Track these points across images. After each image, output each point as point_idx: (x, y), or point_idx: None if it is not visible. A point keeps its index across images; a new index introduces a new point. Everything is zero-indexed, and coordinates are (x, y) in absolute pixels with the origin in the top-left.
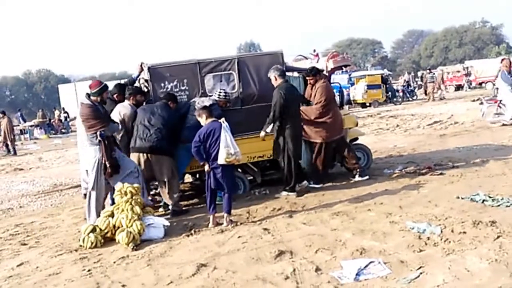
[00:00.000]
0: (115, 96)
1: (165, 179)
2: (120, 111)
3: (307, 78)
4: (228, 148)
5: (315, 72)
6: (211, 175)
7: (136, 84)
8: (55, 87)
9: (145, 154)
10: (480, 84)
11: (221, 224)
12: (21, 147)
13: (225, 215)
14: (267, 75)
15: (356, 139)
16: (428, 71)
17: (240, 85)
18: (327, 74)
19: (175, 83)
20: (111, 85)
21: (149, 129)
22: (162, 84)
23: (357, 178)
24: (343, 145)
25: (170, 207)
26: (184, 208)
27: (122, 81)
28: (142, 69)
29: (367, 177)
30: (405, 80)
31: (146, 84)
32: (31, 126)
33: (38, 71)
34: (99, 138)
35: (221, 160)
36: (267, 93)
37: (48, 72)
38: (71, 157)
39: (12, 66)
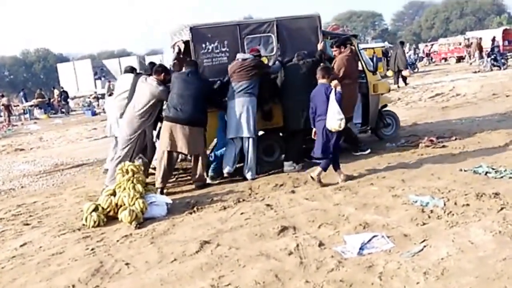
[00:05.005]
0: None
1: (198, 152)
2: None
3: (332, 49)
4: (334, 115)
5: (339, 44)
6: (320, 137)
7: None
8: (54, 66)
9: (178, 125)
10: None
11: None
12: (21, 127)
13: (319, 169)
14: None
15: (386, 105)
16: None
17: (278, 47)
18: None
19: (216, 44)
20: (110, 62)
21: (184, 99)
22: (204, 45)
23: (358, 153)
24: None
25: (196, 182)
26: (207, 182)
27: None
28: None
29: (368, 151)
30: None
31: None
32: (31, 106)
33: (36, 50)
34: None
35: (329, 126)
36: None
37: (46, 51)
38: (72, 136)
39: (10, 45)
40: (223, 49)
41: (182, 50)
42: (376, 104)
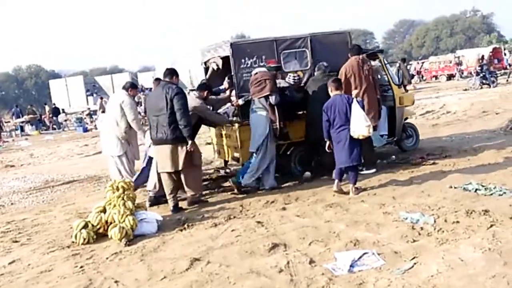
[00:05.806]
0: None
1: (177, 169)
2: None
3: None
4: (361, 122)
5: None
6: (337, 149)
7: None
8: (46, 83)
9: (156, 146)
10: (471, 73)
11: (347, 193)
12: (12, 143)
13: (351, 185)
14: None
15: (406, 118)
16: None
17: (313, 62)
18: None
19: (254, 59)
20: (102, 79)
21: (157, 118)
22: (243, 60)
23: (364, 171)
24: None
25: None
26: (202, 198)
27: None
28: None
29: (374, 170)
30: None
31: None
32: (22, 122)
33: (28, 67)
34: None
35: (356, 133)
36: (336, 69)
37: (38, 67)
38: (63, 153)
39: (2, 62)
40: (261, 64)
41: (220, 65)
42: (402, 116)
